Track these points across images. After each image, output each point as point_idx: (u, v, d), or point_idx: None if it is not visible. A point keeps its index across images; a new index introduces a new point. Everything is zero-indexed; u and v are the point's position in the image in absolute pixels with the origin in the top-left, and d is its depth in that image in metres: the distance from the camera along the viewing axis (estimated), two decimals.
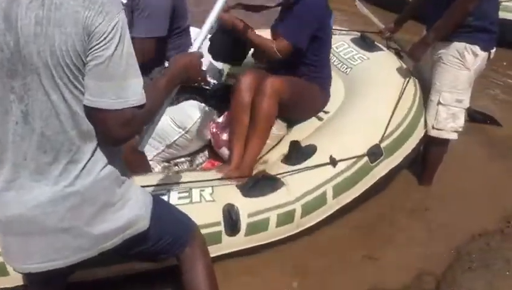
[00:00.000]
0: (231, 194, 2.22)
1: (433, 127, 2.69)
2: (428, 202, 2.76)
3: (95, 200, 1.44)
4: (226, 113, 2.68)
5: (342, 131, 2.57)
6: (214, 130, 2.63)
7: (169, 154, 2.64)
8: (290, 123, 2.73)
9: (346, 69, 2.97)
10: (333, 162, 2.37)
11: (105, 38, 1.30)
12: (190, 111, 2.56)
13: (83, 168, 1.41)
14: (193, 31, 2.71)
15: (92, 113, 1.35)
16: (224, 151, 2.62)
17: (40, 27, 1.28)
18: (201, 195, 2.16)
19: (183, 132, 2.55)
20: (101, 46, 1.30)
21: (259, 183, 2.25)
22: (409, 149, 2.68)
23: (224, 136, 2.60)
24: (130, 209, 1.52)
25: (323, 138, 2.54)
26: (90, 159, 1.41)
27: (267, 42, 2.50)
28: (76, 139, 1.39)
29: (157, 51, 2.48)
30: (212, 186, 2.21)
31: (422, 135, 2.75)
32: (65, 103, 1.34)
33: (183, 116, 2.55)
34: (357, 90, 2.75)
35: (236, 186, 2.25)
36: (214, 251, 2.06)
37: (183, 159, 2.69)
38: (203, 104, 2.63)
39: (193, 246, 1.74)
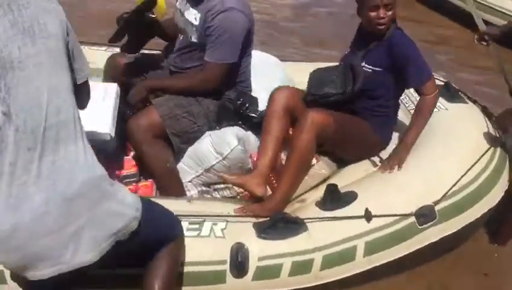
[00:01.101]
0: (245, 232, 2.05)
1: None
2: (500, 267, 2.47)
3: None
4: None
5: (394, 182, 2.30)
6: (256, 159, 2.48)
7: (208, 179, 2.53)
8: (339, 163, 2.50)
9: None
10: (368, 216, 2.11)
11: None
12: (229, 138, 2.44)
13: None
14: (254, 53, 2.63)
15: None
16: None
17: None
18: (211, 229, 2.03)
19: (220, 158, 2.44)
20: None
21: (278, 225, 2.06)
22: (472, 217, 2.32)
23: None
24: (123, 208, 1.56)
25: (370, 187, 2.30)
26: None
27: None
28: None
29: (229, 76, 2.45)
30: (226, 221, 2.07)
31: (492, 204, 2.38)
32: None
33: (222, 142, 2.44)
34: (425, 141, 2.43)
35: (253, 224, 2.08)
36: None
37: (223, 186, 2.57)
38: (246, 132, 2.50)
39: (168, 248, 1.76)
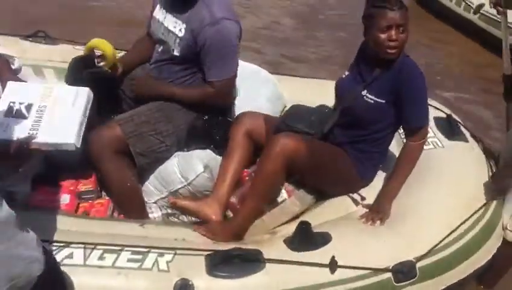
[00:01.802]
0: (194, 266, 1.82)
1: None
2: None
3: None
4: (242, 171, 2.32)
5: (372, 230, 2.05)
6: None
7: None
8: (319, 197, 2.26)
9: None
10: (332, 265, 1.86)
11: None
12: (195, 163, 2.24)
13: None
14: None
15: None
16: (230, 214, 2.24)
17: None
18: (156, 261, 1.80)
19: (185, 183, 2.25)
20: None
21: (234, 260, 1.83)
22: (459, 275, 2.06)
23: (233, 199, 2.22)
24: None
25: (345, 231, 2.06)
26: None
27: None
28: None
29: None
30: (175, 252, 1.84)
31: (484, 260, 2.14)
32: None
33: (187, 167, 2.24)
34: (412, 184, 2.17)
35: (205, 256, 1.84)
36: None
37: None
38: (217, 157, 2.29)
39: None
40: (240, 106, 2.53)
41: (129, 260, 1.79)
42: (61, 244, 1.80)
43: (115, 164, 2.16)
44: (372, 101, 2.09)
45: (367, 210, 2.15)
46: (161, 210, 2.34)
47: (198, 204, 2.17)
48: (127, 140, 2.17)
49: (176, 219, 2.34)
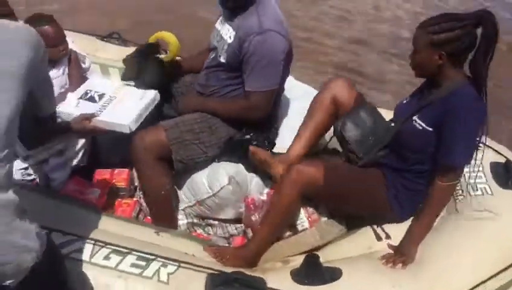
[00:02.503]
0: (194, 282, 1.81)
1: None
2: None
3: None
4: (268, 192, 2.29)
5: (390, 272, 1.92)
6: (250, 205, 2.25)
7: (200, 212, 2.35)
8: (343, 231, 2.18)
9: (457, 194, 2.21)
10: None
11: None
12: (221, 175, 2.24)
13: None
14: None
15: None
16: (250, 233, 2.22)
17: None
18: (157, 271, 1.82)
19: (211, 194, 2.25)
20: None
21: (234, 284, 1.80)
22: None
23: (255, 217, 2.20)
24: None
25: (359, 268, 1.94)
26: None
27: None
28: None
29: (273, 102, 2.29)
30: (178, 265, 1.85)
31: None
32: None
33: (214, 178, 2.25)
34: (448, 226, 2.04)
35: (207, 275, 1.83)
36: None
37: (216, 223, 2.37)
38: (245, 172, 2.27)
39: None
40: (288, 124, 2.49)
41: (132, 265, 1.83)
42: (74, 237, 1.88)
43: (155, 170, 2.21)
44: (420, 127, 1.96)
45: (391, 251, 2.03)
46: (187, 218, 2.37)
47: (274, 160, 2.19)
48: (170, 146, 2.21)
49: (200, 230, 2.37)
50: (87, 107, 2.13)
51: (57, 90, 2.24)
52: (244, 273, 1.86)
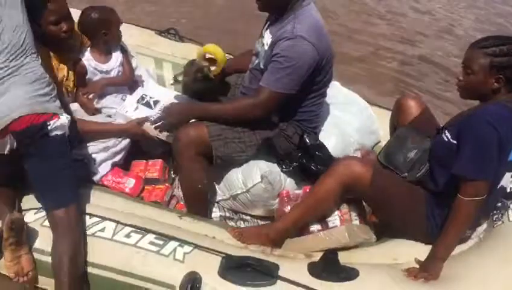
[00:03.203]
0: (208, 264, 1.85)
1: None
2: None
3: None
4: (304, 187, 2.28)
5: (407, 282, 1.86)
6: (284, 197, 2.25)
7: (234, 206, 2.38)
8: (373, 238, 2.14)
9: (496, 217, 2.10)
10: None
11: None
12: (255, 172, 2.25)
13: None
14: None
15: None
16: None
17: None
18: (174, 250, 1.88)
19: (244, 189, 2.28)
20: None
21: (246, 269, 1.81)
22: None
23: (287, 209, 2.19)
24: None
25: (378, 273, 1.89)
26: None
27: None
28: None
29: (282, 107, 2.25)
30: (195, 246, 1.89)
31: None
32: None
33: (248, 174, 2.27)
34: (484, 253, 1.95)
35: (223, 258, 1.85)
36: None
37: (249, 218, 2.39)
38: (279, 172, 2.28)
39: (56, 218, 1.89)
40: (327, 130, 2.48)
41: (150, 243, 1.90)
42: (99, 219, 1.99)
43: (194, 164, 2.26)
44: (446, 139, 1.93)
45: (416, 265, 1.95)
46: (220, 211, 2.41)
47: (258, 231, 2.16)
48: (211, 142, 2.25)
49: (232, 223, 2.39)
50: (145, 113, 2.35)
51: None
52: (259, 258, 1.86)
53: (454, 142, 1.89)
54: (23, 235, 1.87)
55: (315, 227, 2.12)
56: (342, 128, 2.52)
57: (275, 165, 2.30)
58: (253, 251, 1.96)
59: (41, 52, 2.09)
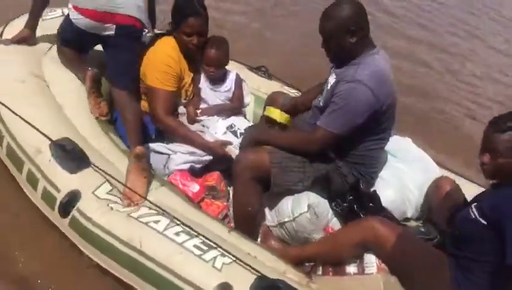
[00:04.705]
0: (243, 278, 1.93)
1: None
2: None
3: None
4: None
5: None
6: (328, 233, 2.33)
7: (280, 235, 2.45)
8: None
9: None
10: None
11: None
12: (303, 201, 2.33)
13: None
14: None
15: None
16: None
17: None
18: (215, 258, 1.99)
19: (291, 218, 2.35)
20: None
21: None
22: None
23: None
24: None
25: None
26: None
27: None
28: None
29: (334, 146, 2.35)
30: (234, 260, 1.98)
31: None
32: None
33: (297, 203, 2.35)
34: None
35: (258, 277, 1.92)
36: None
37: None
38: (326, 205, 2.35)
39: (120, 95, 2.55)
40: (387, 179, 2.52)
41: (195, 246, 2.02)
42: (156, 211, 2.14)
43: (248, 188, 2.38)
44: (473, 216, 1.91)
45: None
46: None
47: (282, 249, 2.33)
48: (271, 168, 2.35)
49: None
50: (230, 139, 2.61)
51: (219, 101, 2.79)
52: (290, 285, 1.92)
53: (483, 221, 1.87)
54: (100, 87, 2.59)
55: (351, 269, 2.15)
56: (403, 182, 2.54)
57: (326, 201, 2.38)
58: (291, 279, 2.02)
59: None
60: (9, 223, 2.44)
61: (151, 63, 2.64)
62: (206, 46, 2.67)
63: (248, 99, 2.99)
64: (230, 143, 2.61)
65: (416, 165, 2.65)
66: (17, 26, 2.90)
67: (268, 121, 2.74)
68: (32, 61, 2.75)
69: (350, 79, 2.22)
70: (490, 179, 1.98)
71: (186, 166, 2.58)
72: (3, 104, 2.43)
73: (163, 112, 2.59)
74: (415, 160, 2.69)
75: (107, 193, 2.21)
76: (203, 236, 2.04)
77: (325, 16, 2.29)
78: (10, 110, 2.38)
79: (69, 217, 2.20)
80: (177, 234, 2.05)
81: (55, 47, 2.81)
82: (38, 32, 2.91)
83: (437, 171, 2.69)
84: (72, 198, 2.19)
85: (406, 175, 2.58)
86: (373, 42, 2.34)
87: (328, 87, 2.36)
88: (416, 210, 2.57)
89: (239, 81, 2.88)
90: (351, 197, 2.36)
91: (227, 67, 2.83)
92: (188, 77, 2.73)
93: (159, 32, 2.81)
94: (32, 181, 2.34)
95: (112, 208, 2.16)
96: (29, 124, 2.33)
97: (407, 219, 2.57)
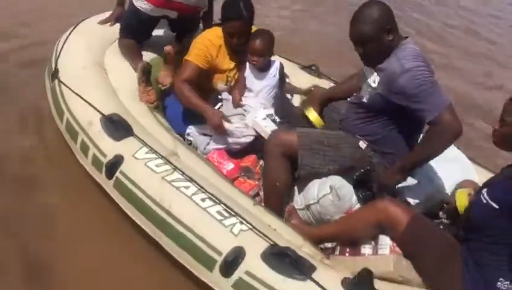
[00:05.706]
0: (256, 244, 2.08)
1: None
2: None
3: None
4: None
5: None
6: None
7: (307, 218, 2.56)
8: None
9: None
10: None
11: None
12: (327, 184, 2.44)
13: None
14: None
15: None
16: None
17: None
18: (233, 224, 2.15)
19: (316, 200, 2.45)
20: None
21: (285, 259, 2.01)
22: None
23: None
24: None
25: None
26: None
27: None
28: None
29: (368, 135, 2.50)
30: (251, 228, 2.14)
31: None
32: None
33: (322, 185, 2.45)
34: None
35: (270, 245, 2.07)
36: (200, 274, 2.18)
37: None
38: (349, 189, 2.45)
39: None
40: (418, 172, 2.55)
41: (218, 212, 2.20)
42: (189, 179, 2.35)
43: (277, 163, 2.53)
44: (484, 201, 1.94)
45: None
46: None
47: (304, 228, 2.44)
48: (298, 150, 2.50)
49: None
50: (268, 125, 2.76)
51: (264, 89, 2.95)
52: (299, 254, 2.05)
53: (495, 205, 1.90)
54: (149, 76, 2.89)
55: (366, 250, 2.24)
56: (435, 181, 2.59)
57: (351, 185, 2.47)
58: (305, 253, 2.13)
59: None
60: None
61: (194, 43, 2.92)
62: (251, 37, 2.86)
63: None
64: (227, 120, 2.79)
65: (453, 166, 2.67)
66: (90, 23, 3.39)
67: (305, 116, 2.83)
68: (97, 51, 3.15)
69: (402, 71, 2.23)
70: (499, 147, 2.00)
71: (224, 146, 2.78)
72: (64, 84, 2.86)
73: (183, 77, 2.83)
74: (454, 161, 2.71)
75: (146, 153, 2.46)
76: (225, 205, 2.22)
77: (358, 21, 2.31)
78: (70, 89, 2.82)
79: (113, 178, 2.47)
80: (203, 200, 2.24)
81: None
82: (108, 25, 3.34)
83: (474, 174, 2.69)
84: (116, 161, 2.46)
85: (440, 172, 2.61)
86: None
87: (374, 85, 2.39)
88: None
89: (282, 71, 3.03)
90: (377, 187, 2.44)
91: (272, 58, 2.99)
92: (229, 64, 2.95)
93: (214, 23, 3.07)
94: (84, 149, 2.66)
95: (149, 168, 2.40)
96: (83, 99, 2.72)
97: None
